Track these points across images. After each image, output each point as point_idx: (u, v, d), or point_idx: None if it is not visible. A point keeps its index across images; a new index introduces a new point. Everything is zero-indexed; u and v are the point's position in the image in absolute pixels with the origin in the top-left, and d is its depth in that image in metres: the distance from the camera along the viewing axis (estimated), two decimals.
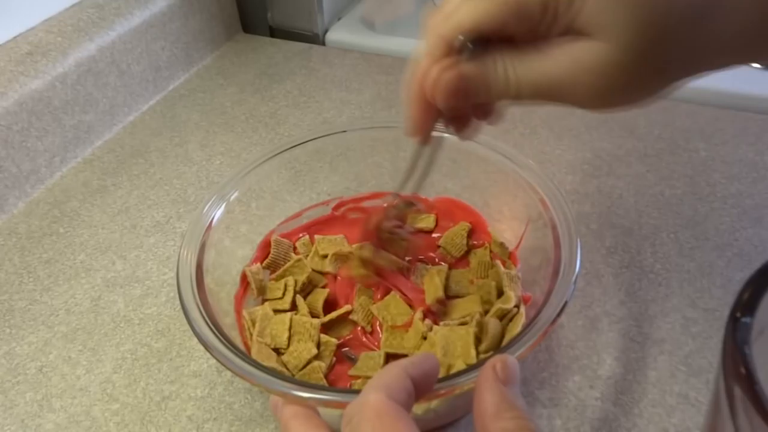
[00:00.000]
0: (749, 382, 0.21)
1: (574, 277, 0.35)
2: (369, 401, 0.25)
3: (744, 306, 0.23)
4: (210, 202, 0.43)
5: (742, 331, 0.22)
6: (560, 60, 0.28)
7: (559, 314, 0.33)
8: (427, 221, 0.49)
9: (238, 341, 0.39)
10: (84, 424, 0.41)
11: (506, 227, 0.46)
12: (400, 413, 0.24)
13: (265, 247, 0.46)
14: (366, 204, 0.50)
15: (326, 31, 0.80)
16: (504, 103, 0.31)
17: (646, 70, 0.27)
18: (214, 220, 0.42)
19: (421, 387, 0.27)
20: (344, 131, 0.48)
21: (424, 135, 0.35)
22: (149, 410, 0.41)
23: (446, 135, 0.46)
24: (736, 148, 0.58)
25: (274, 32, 0.82)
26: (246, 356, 0.33)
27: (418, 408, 0.34)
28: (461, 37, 0.29)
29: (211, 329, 0.34)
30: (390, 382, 0.26)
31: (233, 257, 0.44)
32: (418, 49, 0.31)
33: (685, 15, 0.26)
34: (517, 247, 0.45)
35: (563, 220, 0.39)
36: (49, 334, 0.46)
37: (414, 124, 0.34)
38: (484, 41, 0.29)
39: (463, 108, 0.33)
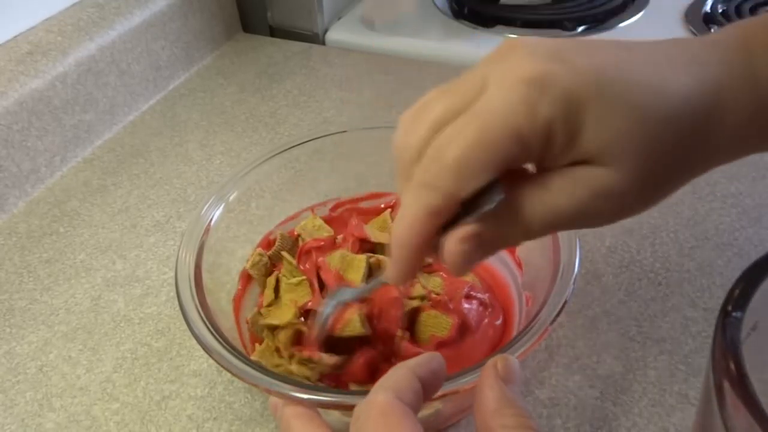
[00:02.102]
0: (738, 376, 0.21)
1: (573, 277, 0.35)
2: (376, 401, 0.25)
3: (735, 301, 0.23)
4: (209, 203, 0.43)
5: (732, 326, 0.23)
6: (571, 190, 0.26)
7: (558, 314, 0.33)
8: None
9: (237, 342, 0.39)
10: (84, 423, 0.41)
11: None
12: (405, 413, 0.24)
13: (266, 247, 0.46)
14: (363, 205, 0.50)
15: (326, 31, 0.80)
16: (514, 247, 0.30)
17: (654, 185, 0.28)
18: (213, 221, 0.42)
19: (429, 387, 0.27)
20: (344, 131, 0.48)
21: (409, 281, 0.33)
22: (149, 410, 0.41)
23: None
24: None
25: (274, 32, 0.82)
26: (245, 358, 0.33)
27: (427, 409, 0.34)
28: (495, 200, 0.26)
29: (210, 331, 0.34)
30: (398, 383, 0.26)
31: (233, 257, 0.44)
32: (396, 186, 0.28)
33: (685, 128, 0.26)
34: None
35: None
36: (49, 333, 0.46)
37: (403, 276, 0.29)
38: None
39: None
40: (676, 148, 0.27)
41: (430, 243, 0.27)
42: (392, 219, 0.48)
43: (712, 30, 0.73)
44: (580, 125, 0.25)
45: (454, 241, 0.27)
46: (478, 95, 0.26)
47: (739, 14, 0.76)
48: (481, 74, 0.26)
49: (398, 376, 0.26)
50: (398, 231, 0.27)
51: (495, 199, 0.26)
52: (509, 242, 0.29)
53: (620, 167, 0.26)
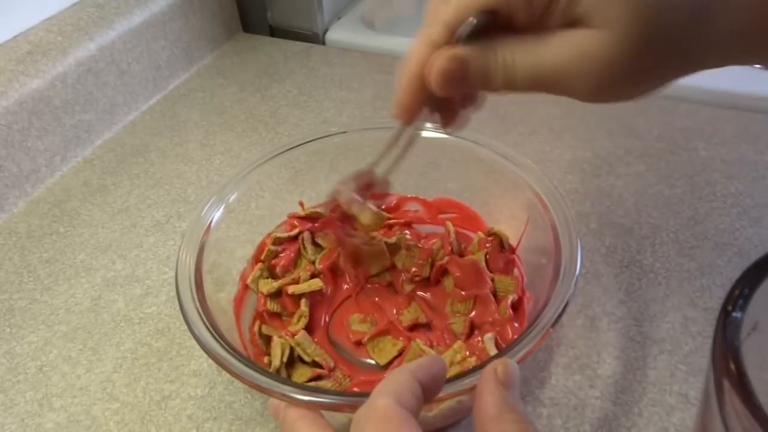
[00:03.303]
0: (738, 376, 0.21)
1: (574, 279, 0.35)
2: (377, 405, 0.25)
3: (735, 301, 0.23)
4: (209, 203, 0.43)
5: (732, 325, 0.23)
6: (559, 47, 0.28)
7: (559, 316, 0.33)
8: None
9: (236, 343, 0.39)
10: (84, 423, 0.41)
11: (506, 227, 0.46)
12: (405, 418, 0.24)
13: (264, 248, 0.46)
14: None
15: (326, 31, 0.80)
16: (500, 92, 0.31)
17: (643, 61, 0.27)
18: (214, 221, 0.42)
19: (429, 390, 0.27)
20: (344, 132, 0.48)
21: (411, 118, 0.35)
22: (149, 409, 0.41)
23: (444, 135, 0.46)
24: (736, 147, 0.58)
25: (274, 32, 0.82)
26: (246, 359, 0.33)
27: (429, 410, 0.34)
28: (472, 19, 0.28)
29: (211, 333, 0.34)
30: (398, 387, 0.26)
31: (233, 257, 0.44)
32: (417, 32, 0.31)
33: (685, 8, 0.26)
34: (517, 246, 0.45)
35: (563, 220, 0.39)
36: (49, 333, 0.46)
37: (403, 106, 0.33)
38: (484, 28, 0.29)
39: (454, 95, 0.33)
40: (672, 27, 0.27)
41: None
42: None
43: None
44: None
45: (442, 58, 0.30)
46: None
47: None
48: None
49: (398, 380, 0.26)
50: (405, 63, 0.31)
51: (473, 22, 0.29)
52: (491, 82, 0.30)
53: (611, 31, 0.26)
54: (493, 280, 0.43)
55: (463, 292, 0.42)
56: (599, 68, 0.27)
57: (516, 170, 0.43)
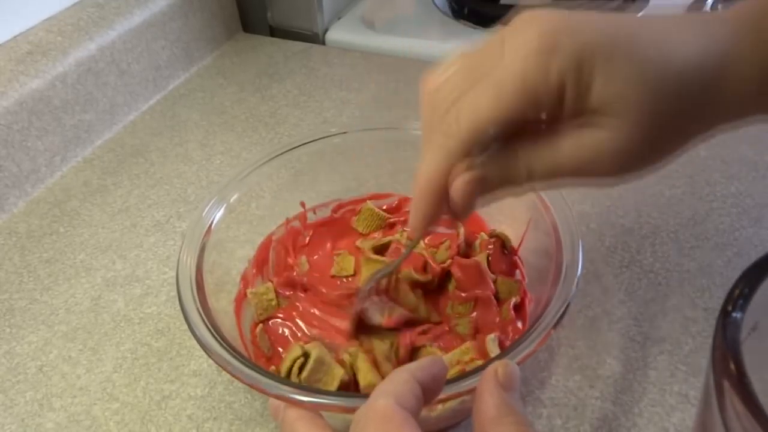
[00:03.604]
0: (738, 376, 0.21)
1: (576, 280, 0.35)
2: (377, 406, 0.25)
3: (735, 301, 0.23)
4: (210, 204, 0.43)
5: (732, 326, 0.23)
6: (575, 149, 0.29)
7: (560, 317, 0.33)
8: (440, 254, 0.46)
9: (237, 342, 0.39)
10: (84, 423, 0.41)
11: (507, 228, 0.46)
12: (405, 419, 0.24)
13: (265, 248, 0.46)
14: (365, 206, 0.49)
15: (326, 31, 0.80)
16: (517, 195, 0.32)
17: (658, 141, 0.29)
18: (214, 222, 0.42)
19: (429, 391, 0.27)
20: (345, 132, 0.48)
21: (426, 231, 0.34)
22: (149, 409, 0.41)
23: None
24: (736, 148, 0.58)
25: (274, 32, 0.82)
26: (247, 360, 0.33)
27: (431, 411, 0.34)
28: (491, 133, 0.29)
29: (212, 334, 0.34)
30: (398, 388, 0.26)
31: (233, 258, 0.44)
32: (420, 139, 0.31)
33: (694, 84, 0.27)
34: (518, 247, 0.45)
35: (564, 221, 0.39)
36: (49, 333, 0.46)
37: (424, 223, 0.32)
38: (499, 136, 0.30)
39: None
40: (681, 107, 0.28)
41: (445, 189, 0.30)
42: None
43: None
44: (590, 81, 0.27)
45: (461, 182, 0.30)
46: (497, 63, 0.28)
47: None
48: (500, 42, 0.28)
49: (399, 381, 0.26)
50: (420, 174, 0.31)
51: (493, 146, 0.30)
52: (514, 188, 0.31)
53: (625, 122, 0.27)
54: (495, 281, 0.43)
55: (463, 294, 0.42)
56: (616, 158, 0.28)
57: None
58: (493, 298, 0.42)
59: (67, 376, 0.43)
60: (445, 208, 0.32)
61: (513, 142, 0.30)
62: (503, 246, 0.45)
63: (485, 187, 0.30)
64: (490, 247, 0.45)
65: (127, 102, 0.67)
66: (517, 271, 0.44)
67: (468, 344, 0.39)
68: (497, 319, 0.41)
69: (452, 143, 0.29)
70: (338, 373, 0.37)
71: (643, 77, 0.27)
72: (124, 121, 0.67)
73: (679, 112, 0.28)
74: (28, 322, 0.47)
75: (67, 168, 0.62)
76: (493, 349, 0.38)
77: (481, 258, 0.44)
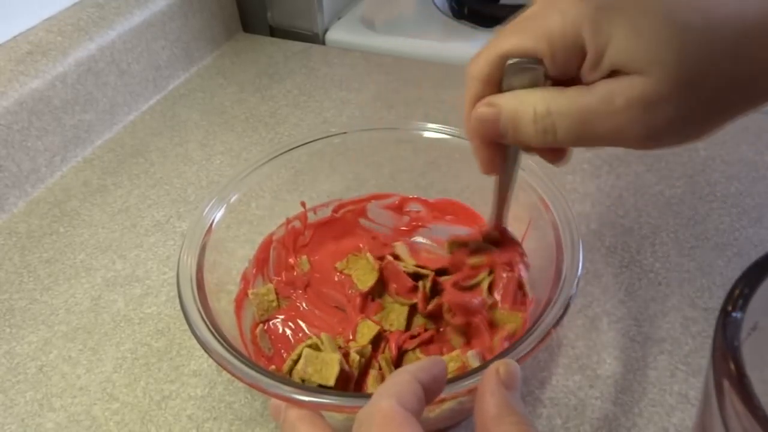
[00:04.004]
0: (738, 376, 0.21)
1: (576, 280, 0.35)
2: (378, 407, 0.25)
3: (735, 301, 0.23)
4: (210, 204, 0.43)
5: (732, 325, 0.23)
6: (600, 93, 0.27)
7: (561, 318, 0.33)
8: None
9: (237, 341, 0.39)
10: (84, 423, 0.41)
11: (515, 229, 0.46)
12: (406, 419, 0.25)
13: (266, 248, 0.46)
14: (368, 205, 0.49)
15: (326, 31, 0.80)
16: (538, 145, 0.30)
17: (694, 100, 0.26)
18: (215, 222, 0.42)
19: (430, 391, 0.27)
20: (345, 133, 0.48)
21: (494, 166, 0.35)
22: (149, 409, 0.41)
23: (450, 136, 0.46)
24: (736, 147, 0.58)
25: (274, 32, 0.82)
26: (248, 360, 0.33)
27: (430, 411, 0.34)
28: (510, 61, 0.29)
29: (213, 335, 0.34)
30: (400, 389, 0.26)
31: (233, 257, 0.44)
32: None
33: (733, 48, 0.25)
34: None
35: (565, 221, 0.39)
36: (49, 333, 0.46)
37: (483, 162, 0.34)
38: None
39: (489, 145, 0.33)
40: (716, 71, 0.25)
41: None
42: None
43: None
44: (610, 36, 0.26)
45: (480, 103, 0.30)
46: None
47: None
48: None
49: (400, 382, 0.26)
50: (465, 122, 0.32)
51: (510, 63, 0.29)
52: (526, 133, 0.29)
53: (653, 74, 0.25)
54: (494, 311, 0.41)
55: (454, 318, 0.42)
56: (650, 112, 0.26)
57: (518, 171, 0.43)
58: (483, 326, 0.40)
59: (67, 376, 0.43)
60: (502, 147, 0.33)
61: (539, 87, 0.29)
62: (519, 285, 0.43)
63: (495, 117, 0.29)
64: (503, 280, 0.43)
65: (127, 102, 0.67)
66: (528, 308, 0.42)
67: (457, 352, 0.39)
68: (485, 346, 0.40)
69: (471, 84, 0.30)
70: (334, 359, 0.37)
71: (676, 31, 0.24)
72: (124, 121, 0.67)
73: (717, 70, 0.25)
74: (28, 322, 0.47)
75: (67, 168, 0.62)
76: (474, 365, 0.38)
77: (482, 281, 0.42)
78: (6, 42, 0.60)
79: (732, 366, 0.21)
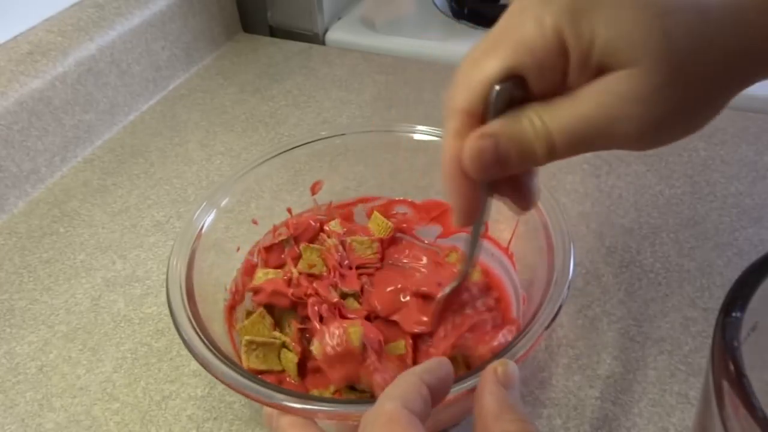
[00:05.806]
0: (738, 376, 0.21)
1: (567, 283, 0.35)
2: (384, 410, 0.25)
3: (735, 301, 0.23)
4: (201, 208, 0.42)
5: (731, 326, 0.23)
6: (593, 97, 0.26)
7: (554, 318, 0.33)
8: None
9: (227, 347, 0.38)
10: (84, 423, 0.41)
11: (505, 227, 0.46)
12: (410, 421, 0.24)
13: (265, 249, 0.46)
14: (355, 209, 0.49)
15: (326, 31, 0.80)
16: (543, 161, 0.28)
17: (685, 90, 0.25)
18: (205, 226, 0.41)
19: (436, 393, 0.27)
20: (343, 134, 0.48)
21: (472, 218, 0.32)
22: (149, 409, 0.41)
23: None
24: (736, 147, 0.58)
25: (274, 32, 0.82)
26: (240, 369, 0.33)
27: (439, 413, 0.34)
28: (497, 87, 0.26)
29: (205, 344, 0.34)
30: (405, 391, 0.26)
31: (225, 263, 0.44)
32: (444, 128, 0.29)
33: (717, 30, 0.24)
34: (509, 242, 0.45)
35: (555, 221, 0.39)
36: (49, 333, 0.46)
37: (462, 212, 0.31)
38: (507, 105, 0.27)
39: (503, 175, 0.30)
40: (709, 48, 0.24)
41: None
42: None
43: None
44: (593, 34, 0.25)
45: (473, 138, 0.27)
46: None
47: None
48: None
49: (406, 384, 0.26)
50: (442, 165, 0.29)
51: (498, 90, 0.27)
52: (530, 152, 0.27)
53: (642, 64, 0.24)
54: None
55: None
56: (642, 107, 0.25)
57: None
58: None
59: (67, 376, 0.43)
60: (483, 192, 0.30)
61: (526, 105, 0.27)
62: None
63: (495, 147, 0.27)
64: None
65: (127, 102, 0.67)
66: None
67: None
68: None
69: (453, 118, 0.28)
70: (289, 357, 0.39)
71: (655, 17, 0.24)
72: (124, 121, 0.67)
73: (708, 54, 0.24)
74: (28, 322, 0.47)
75: (67, 168, 0.62)
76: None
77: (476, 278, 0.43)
78: (6, 42, 0.60)
79: (731, 366, 0.21)
